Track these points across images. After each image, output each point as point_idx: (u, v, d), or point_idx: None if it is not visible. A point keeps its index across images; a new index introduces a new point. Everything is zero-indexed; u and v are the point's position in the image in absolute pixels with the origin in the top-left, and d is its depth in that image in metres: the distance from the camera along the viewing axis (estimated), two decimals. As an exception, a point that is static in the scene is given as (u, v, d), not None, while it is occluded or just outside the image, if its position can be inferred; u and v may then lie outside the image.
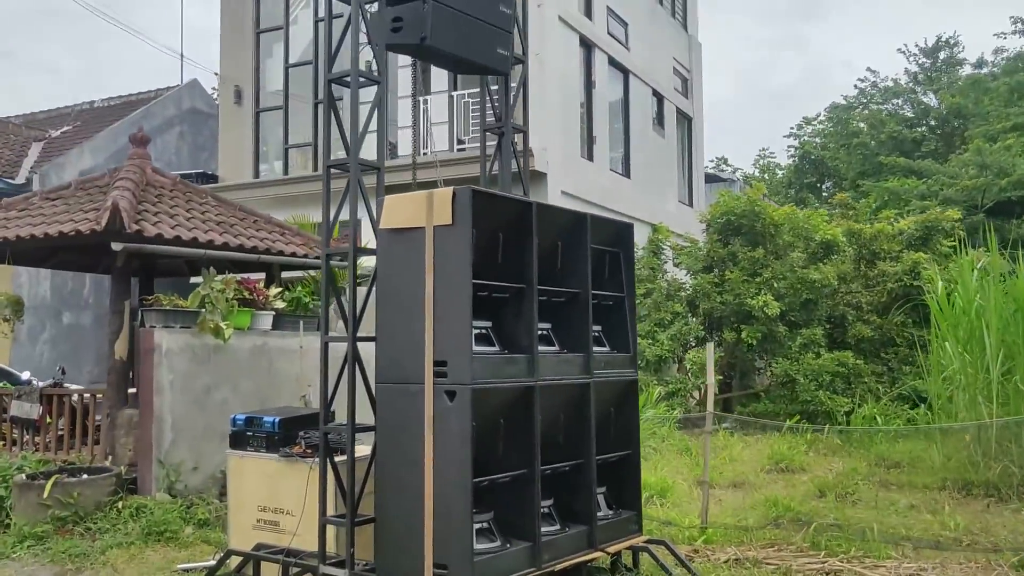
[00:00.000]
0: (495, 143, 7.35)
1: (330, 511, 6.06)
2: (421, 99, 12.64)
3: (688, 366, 16.59)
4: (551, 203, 15.85)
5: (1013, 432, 10.19)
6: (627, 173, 18.89)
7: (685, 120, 22.89)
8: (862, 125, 42.81)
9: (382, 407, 5.69)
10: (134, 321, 8.75)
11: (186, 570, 6.84)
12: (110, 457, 8.68)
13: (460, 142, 16.89)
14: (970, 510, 9.18)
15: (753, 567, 6.50)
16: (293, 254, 10.01)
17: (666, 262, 19.24)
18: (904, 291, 16.84)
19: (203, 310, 8.52)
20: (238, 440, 6.87)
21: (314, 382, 9.65)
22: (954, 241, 17.87)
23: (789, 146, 52.87)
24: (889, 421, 14.69)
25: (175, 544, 7.47)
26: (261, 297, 9.20)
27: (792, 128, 48.73)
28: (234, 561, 6.59)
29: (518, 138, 7.49)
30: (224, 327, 8.50)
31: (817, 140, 46.55)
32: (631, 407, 6.86)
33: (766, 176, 49.70)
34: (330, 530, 6.11)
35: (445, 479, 5.33)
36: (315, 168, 17.96)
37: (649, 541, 6.65)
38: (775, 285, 16.92)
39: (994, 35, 67.14)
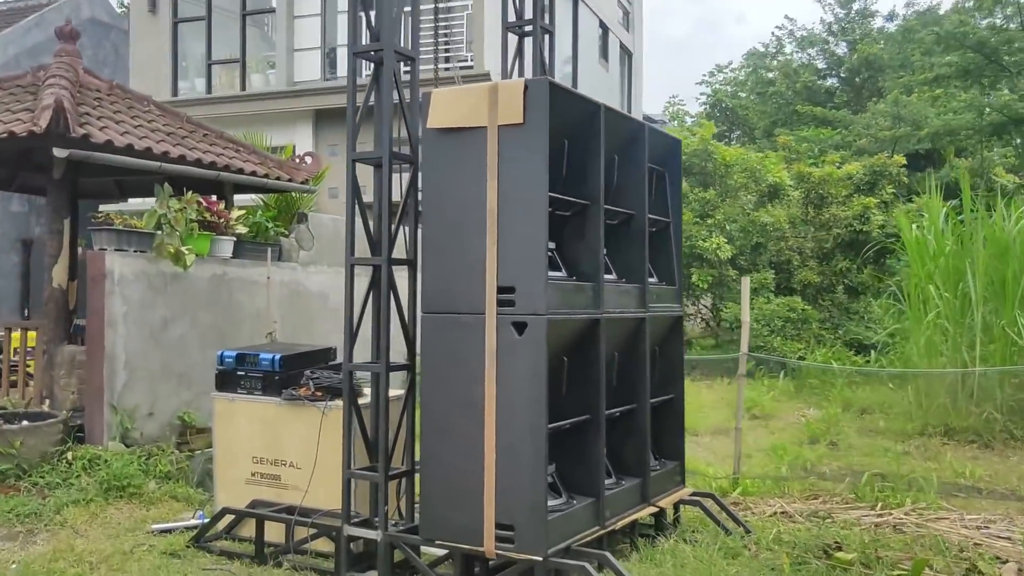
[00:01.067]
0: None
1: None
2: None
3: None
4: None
5: (996, 378, 10.06)
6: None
7: (627, 55, 22.16)
8: (772, 75, 43.05)
9: (429, 341, 4.80)
10: (78, 244, 7.49)
11: (163, 531, 5.83)
12: (47, 401, 7.48)
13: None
14: (967, 456, 8.99)
15: (808, 520, 5.96)
16: (253, 173, 8.84)
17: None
18: (851, 236, 16.75)
19: (160, 232, 7.34)
20: (227, 381, 5.86)
21: (282, 317, 8.64)
22: (895, 188, 17.91)
23: (701, 93, 52.96)
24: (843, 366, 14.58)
25: (139, 501, 6.42)
26: (223, 220, 8.05)
27: (704, 76, 48.78)
28: (224, 521, 5.64)
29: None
30: (185, 252, 7.36)
31: (729, 88, 46.65)
32: (677, 346, 6.16)
33: (675, 123, 49.72)
34: (335, 484, 5.24)
35: (512, 424, 4.51)
36: (243, 87, 16.46)
37: (695, 494, 6.03)
38: (727, 228, 16.55)
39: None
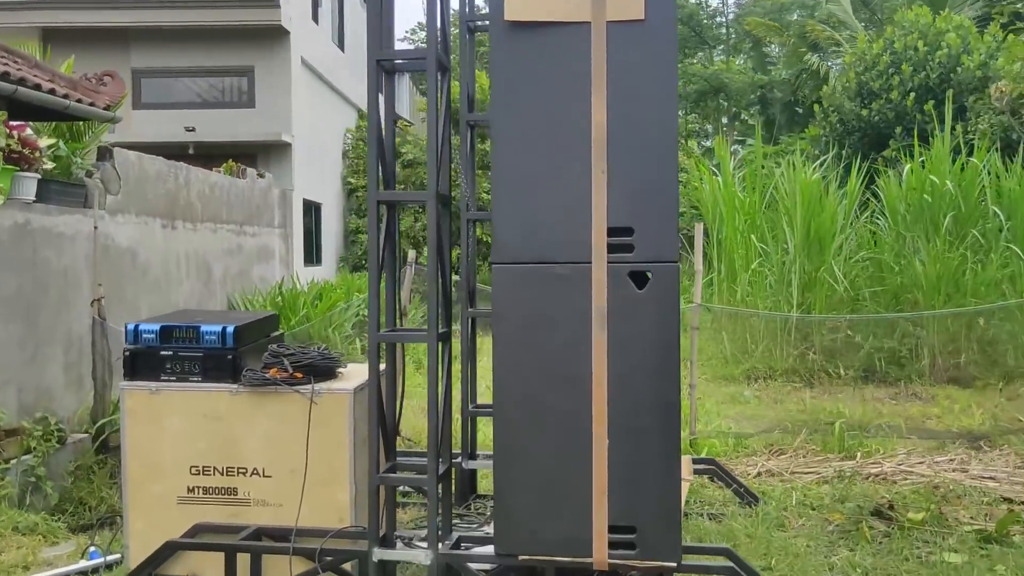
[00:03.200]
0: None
1: (348, 463, 3.92)
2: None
3: (426, 264, 15.17)
4: (292, 74, 13.26)
5: (814, 323, 10.58)
6: (342, 46, 16.54)
7: (377, -2, 20.78)
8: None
9: (505, 300, 3.68)
10: None
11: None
12: None
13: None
14: (800, 395, 9.26)
15: (800, 478, 5.63)
16: (52, 91, 6.73)
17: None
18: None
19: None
20: (144, 365, 4.24)
21: (110, 281, 6.75)
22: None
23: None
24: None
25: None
26: (34, 151, 6.01)
27: (407, 32, 47.96)
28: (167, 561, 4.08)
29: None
30: (-6, 191, 5.36)
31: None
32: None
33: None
34: (322, 496, 4.00)
35: (630, 401, 3.59)
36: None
37: (695, 460, 5.45)
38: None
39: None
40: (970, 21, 17.33)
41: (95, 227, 6.54)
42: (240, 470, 4.17)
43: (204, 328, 4.19)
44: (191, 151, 12.41)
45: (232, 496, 4.17)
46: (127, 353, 4.24)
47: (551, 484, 3.63)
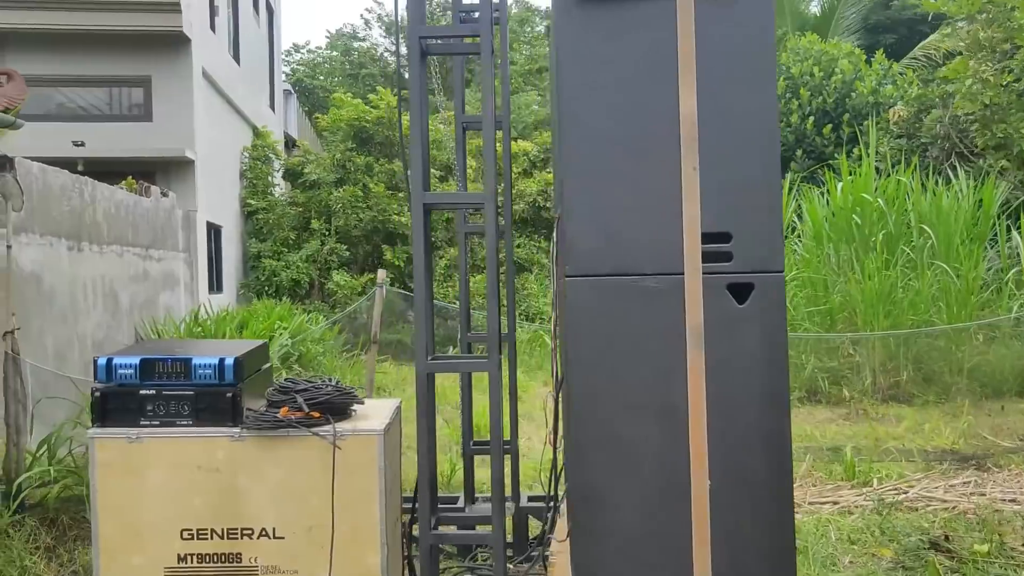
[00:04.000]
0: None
1: (379, 519, 3.30)
2: None
3: (336, 291, 14.37)
4: (194, 85, 12.28)
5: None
6: (237, 58, 15.58)
7: (268, 12, 19.85)
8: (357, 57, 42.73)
9: (579, 317, 3.16)
10: None
11: None
12: None
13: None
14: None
15: (820, 508, 5.30)
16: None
17: (273, 173, 16.52)
18: (535, 211, 16.78)
19: None
20: (119, 407, 3.48)
21: (23, 308, 5.82)
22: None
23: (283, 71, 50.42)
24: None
25: None
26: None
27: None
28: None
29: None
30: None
31: (303, 68, 45.22)
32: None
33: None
34: (348, 559, 3.36)
35: (733, 435, 3.12)
36: None
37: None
38: (421, 201, 15.50)
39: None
40: (859, 49, 18.03)
41: (8, 247, 5.60)
42: (245, 531, 3.46)
43: (197, 361, 3.47)
44: (80, 168, 11.24)
45: (235, 564, 3.45)
46: (97, 394, 3.46)
47: (641, 533, 3.11)
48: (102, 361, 3.47)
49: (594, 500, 3.10)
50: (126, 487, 3.43)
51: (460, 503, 4.84)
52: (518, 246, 17.77)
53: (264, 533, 3.45)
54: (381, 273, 6.38)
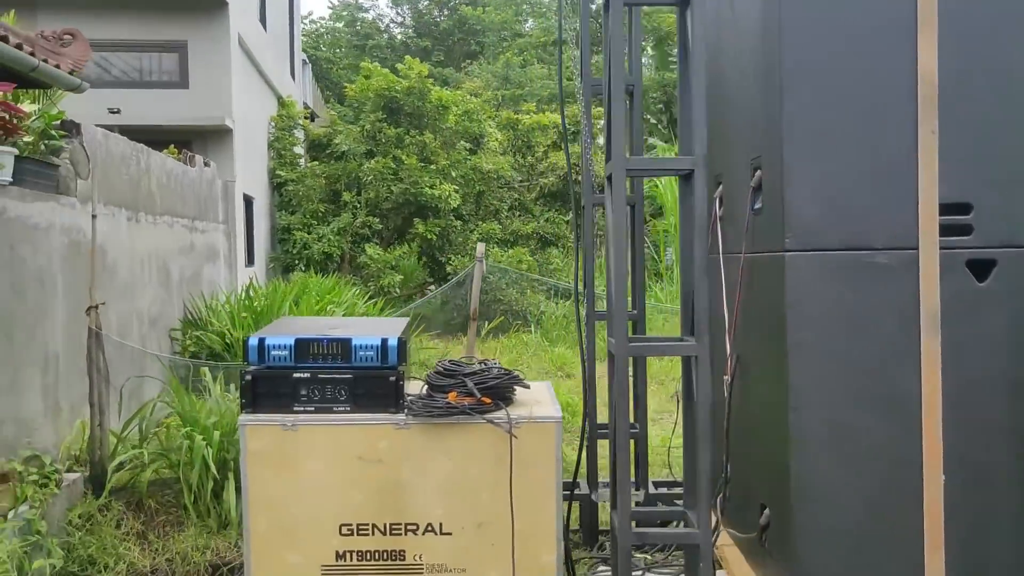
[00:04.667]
0: None
1: (556, 514, 3.02)
2: None
3: (369, 264, 14.03)
4: (232, 51, 11.86)
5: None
6: (264, 23, 15.11)
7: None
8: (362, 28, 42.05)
9: (802, 297, 2.86)
10: None
11: None
12: None
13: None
14: None
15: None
16: (19, 46, 5.40)
17: (298, 143, 16.13)
18: (563, 185, 16.42)
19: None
20: (273, 391, 3.18)
21: (81, 286, 5.49)
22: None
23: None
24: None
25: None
26: (17, 117, 4.73)
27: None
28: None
29: None
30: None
31: (306, 40, 44.50)
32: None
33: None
34: (523, 558, 3.08)
35: (974, 431, 2.84)
36: None
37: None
38: (452, 174, 15.17)
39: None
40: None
41: (93, 216, 5.27)
42: (409, 527, 3.17)
43: (358, 341, 3.17)
44: (114, 137, 10.85)
45: (399, 562, 3.17)
46: (248, 377, 3.16)
47: (867, 536, 2.84)
48: (253, 341, 3.16)
49: (816, 498, 2.82)
50: (280, 479, 3.14)
51: (583, 489, 4.57)
52: (547, 220, 17.46)
53: (430, 529, 3.17)
54: (480, 247, 6.06)
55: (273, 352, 3.15)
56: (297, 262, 14.33)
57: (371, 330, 3.34)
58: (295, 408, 3.16)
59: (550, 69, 33.20)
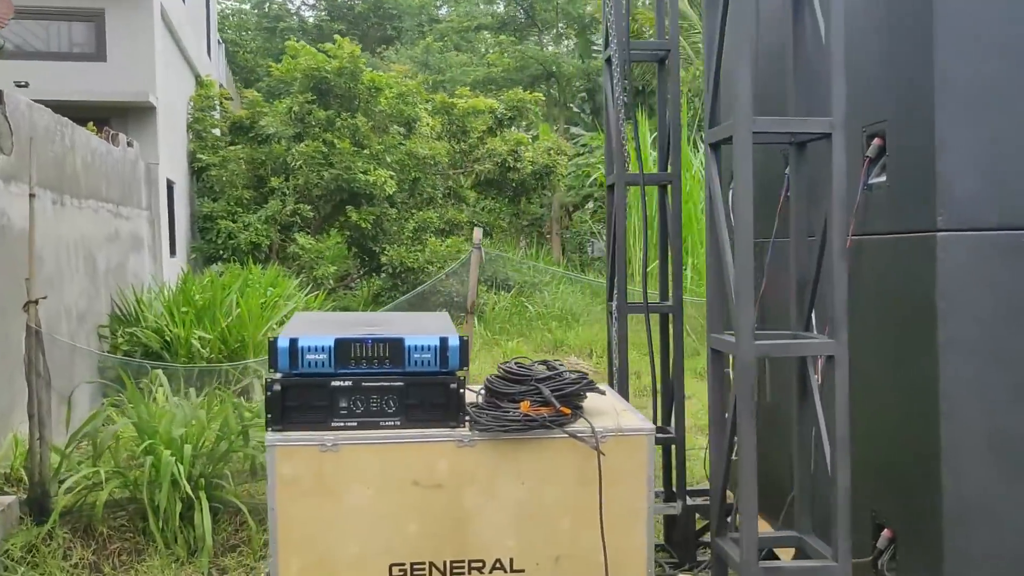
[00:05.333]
0: None
1: (647, 543, 2.55)
2: None
3: (301, 254, 13.21)
4: (154, 23, 10.89)
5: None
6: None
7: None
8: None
9: (956, 284, 2.43)
10: None
11: None
12: None
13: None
14: None
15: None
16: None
17: (218, 125, 15.13)
18: (500, 172, 15.90)
19: None
20: (307, 404, 2.58)
21: (14, 274, 4.75)
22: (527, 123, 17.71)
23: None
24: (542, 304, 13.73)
25: None
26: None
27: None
28: None
29: None
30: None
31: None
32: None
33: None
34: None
35: None
36: None
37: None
38: (387, 159, 14.47)
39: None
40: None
41: (31, 195, 4.48)
42: (474, 565, 2.63)
43: (412, 341, 2.59)
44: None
45: (461, 607, 2.62)
46: (276, 387, 2.55)
47: (1024, 560, 2.44)
48: (283, 343, 2.55)
49: (973, 519, 2.40)
50: (317, 511, 2.55)
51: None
52: (483, 209, 16.94)
53: (499, 566, 2.63)
54: (477, 232, 5.50)
55: (308, 356, 2.55)
56: (222, 252, 13.41)
57: (418, 327, 2.77)
58: (333, 424, 2.58)
59: (470, 56, 32.67)
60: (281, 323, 7.98)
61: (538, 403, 2.63)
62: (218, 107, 15.35)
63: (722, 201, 2.53)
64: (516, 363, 2.77)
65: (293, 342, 2.55)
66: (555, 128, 26.53)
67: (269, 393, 2.55)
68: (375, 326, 2.75)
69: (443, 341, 2.61)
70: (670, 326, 4.17)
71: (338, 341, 2.58)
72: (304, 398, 2.57)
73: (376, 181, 13.85)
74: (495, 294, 14.47)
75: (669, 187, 4.10)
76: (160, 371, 5.10)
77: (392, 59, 33.29)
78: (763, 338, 2.49)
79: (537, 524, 2.64)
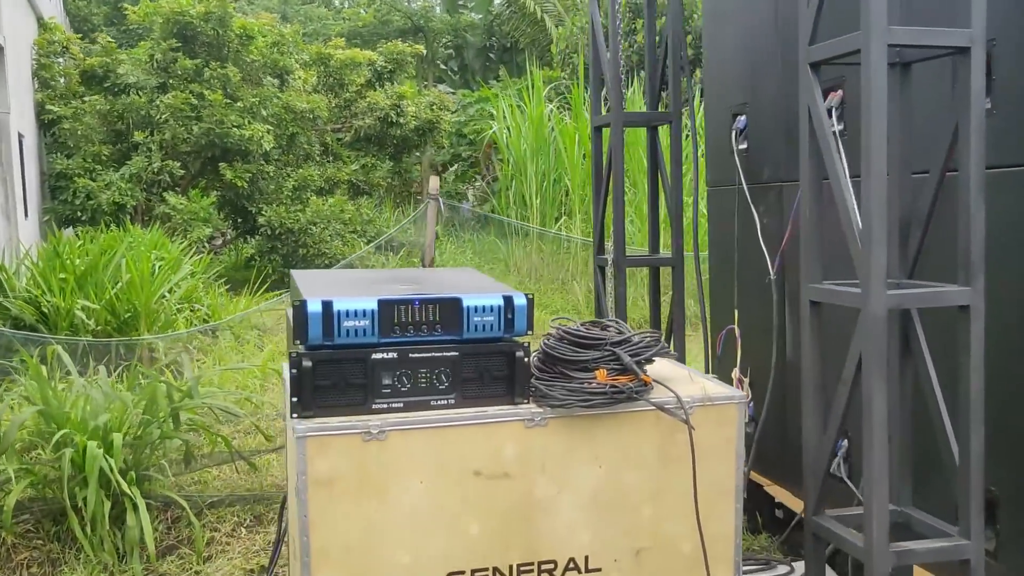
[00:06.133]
0: None
1: (735, 527, 2.24)
2: None
3: (173, 215, 12.13)
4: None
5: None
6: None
7: None
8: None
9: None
10: None
11: None
12: None
13: None
14: None
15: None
16: None
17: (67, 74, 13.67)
18: (381, 128, 15.17)
19: None
20: (345, 382, 2.06)
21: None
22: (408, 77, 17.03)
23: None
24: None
25: None
26: None
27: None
28: None
29: None
30: None
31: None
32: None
33: None
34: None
35: None
36: None
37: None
38: (263, 113, 13.49)
39: None
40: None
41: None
42: (544, 566, 2.21)
43: (470, 301, 2.11)
44: None
45: (534, 618, 2.20)
46: (306, 363, 2.02)
47: None
48: (314, 307, 2.02)
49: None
50: (359, 511, 2.06)
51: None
52: (363, 166, 16.16)
53: (572, 566, 2.22)
54: (434, 181, 4.94)
55: (346, 323, 2.03)
56: (80, 214, 12.14)
57: (471, 285, 2.29)
58: (375, 406, 2.08)
59: (331, 10, 31.40)
60: (172, 291, 7.18)
61: (616, 371, 2.22)
62: (65, 53, 13.85)
63: (831, 128, 2.17)
64: (583, 324, 2.33)
65: (327, 305, 2.02)
66: (424, 85, 25.77)
67: (295, 371, 2.02)
68: (420, 284, 2.25)
69: (507, 300, 2.15)
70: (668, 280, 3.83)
71: (381, 303, 2.06)
72: (339, 375, 2.05)
73: (252, 136, 12.88)
74: (383, 255, 13.84)
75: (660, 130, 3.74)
76: (60, 347, 4.33)
77: (246, 9, 31.47)
78: (898, 288, 2.15)
79: (615, 514, 2.24)
